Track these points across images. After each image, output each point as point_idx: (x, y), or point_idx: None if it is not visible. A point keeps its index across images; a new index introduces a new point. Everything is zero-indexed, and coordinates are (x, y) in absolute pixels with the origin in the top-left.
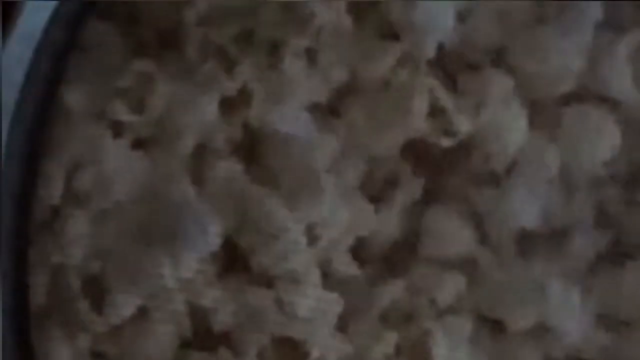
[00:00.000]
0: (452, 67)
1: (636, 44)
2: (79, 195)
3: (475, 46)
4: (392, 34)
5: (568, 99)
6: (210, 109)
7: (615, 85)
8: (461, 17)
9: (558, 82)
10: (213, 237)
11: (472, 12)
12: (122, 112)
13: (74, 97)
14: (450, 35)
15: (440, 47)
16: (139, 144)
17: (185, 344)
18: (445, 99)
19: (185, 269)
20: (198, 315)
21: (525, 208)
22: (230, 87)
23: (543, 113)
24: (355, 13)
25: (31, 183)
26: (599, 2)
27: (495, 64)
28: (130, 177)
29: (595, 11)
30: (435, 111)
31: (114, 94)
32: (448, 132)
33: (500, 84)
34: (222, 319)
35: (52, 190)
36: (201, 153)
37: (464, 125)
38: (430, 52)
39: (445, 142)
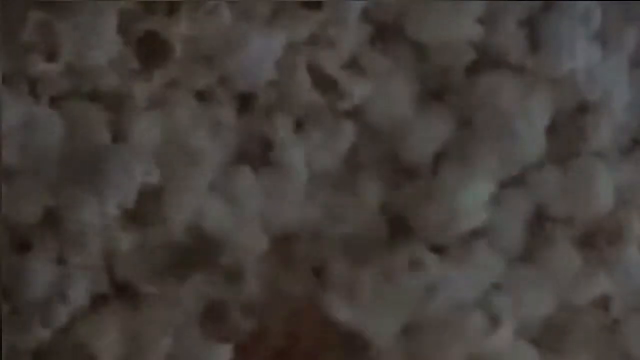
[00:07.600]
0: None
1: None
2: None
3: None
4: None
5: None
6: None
7: (514, 52)
8: None
9: (459, 52)
10: (138, 178)
11: None
12: (38, 63)
13: None
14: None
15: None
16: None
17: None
18: (335, 70)
19: (108, 212)
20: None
21: None
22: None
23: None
24: None
25: None
26: None
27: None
28: (51, 136)
29: None
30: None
31: (25, 49)
32: (342, 97)
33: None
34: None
35: None
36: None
37: (356, 91)
38: (352, 22)
39: (342, 105)
